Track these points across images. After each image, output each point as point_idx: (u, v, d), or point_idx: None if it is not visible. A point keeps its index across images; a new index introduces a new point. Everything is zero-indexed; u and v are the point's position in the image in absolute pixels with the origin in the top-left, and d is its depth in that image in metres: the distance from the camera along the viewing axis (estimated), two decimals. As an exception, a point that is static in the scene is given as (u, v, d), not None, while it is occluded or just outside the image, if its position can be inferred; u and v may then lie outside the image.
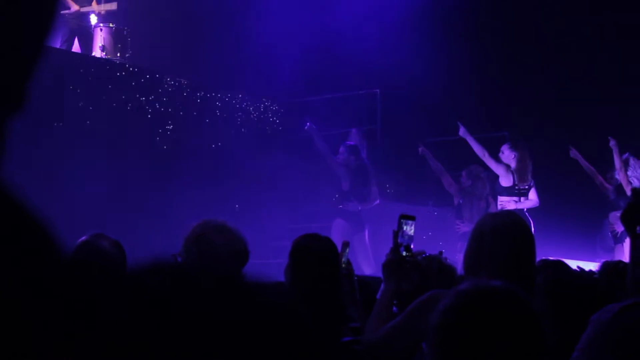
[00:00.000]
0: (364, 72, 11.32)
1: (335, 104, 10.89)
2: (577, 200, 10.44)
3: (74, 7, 9.54)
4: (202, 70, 10.49)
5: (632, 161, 8.79)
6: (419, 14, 11.21)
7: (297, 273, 3.30)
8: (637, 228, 2.41)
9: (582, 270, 3.45)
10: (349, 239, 4.47)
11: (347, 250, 3.60)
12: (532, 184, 8.69)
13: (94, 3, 9.62)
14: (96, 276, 0.80)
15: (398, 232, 3.19)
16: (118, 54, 9.31)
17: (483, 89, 11.44)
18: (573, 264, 3.54)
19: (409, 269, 3.16)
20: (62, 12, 9.27)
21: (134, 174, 8.55)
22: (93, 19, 9.59)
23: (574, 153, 9.17)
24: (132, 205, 8.35)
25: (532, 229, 3.65)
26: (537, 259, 3.01)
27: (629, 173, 8.72)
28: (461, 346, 1.79)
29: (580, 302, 2.98)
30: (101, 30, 9.36)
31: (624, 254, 8.22)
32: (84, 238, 3.63)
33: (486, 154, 8.66)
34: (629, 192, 8.33)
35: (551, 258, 3.44)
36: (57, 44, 9.27)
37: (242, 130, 10.17)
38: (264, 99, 10.60)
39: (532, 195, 8.67)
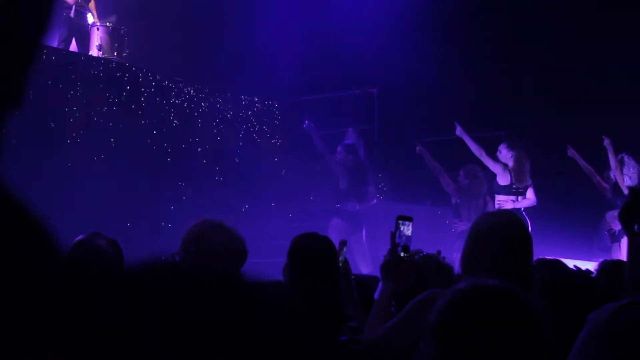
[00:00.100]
0: (361, 71, 11.33)
1: (332, 103, 10.90)
2: (574, 200, 10.45)
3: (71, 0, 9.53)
4: (200, 70, 10.49)
5: (626, 159, 8.80)
6: (415, 13, 11.22)
7: (296, 272, 3.30)
8: (635, 227, 2.41)
9: (579, 269, 3.45)
10: (346, 238, 4.47)
11: (345, 249, 3.60)
12: (529, 183, 8.70)
13: (91, 4, 9.62)
14: (92, 275, 0.80)
15: (395, 233, 3.19)
16: (115, 53, 9.31)
17: (480, 88, 11.45)
18: (570, 263, 3.55)
19: (407, 270, 3.16)
20: (59, 8, 9.26)
21: (132, 173, 8.54)
22: (90, 18, 9.59)
23: (571, 152, 9.18)
24: (130, 204, 8.35)
25: (529, 228, 3.65)
26: (534, 258, 3.01)
27: (625, 171, 8.73)
28: (459, 345, 1.79)
29: (578, 301, 2.98)
30: (98, 29, 9.36)
31: (621, 253, 8.22)
32: (80, 237, 3.64)
33: (483, 153, 8.67)
34: (625, 191, 8.34)
35: (548, 257, 3.44)
36: (55, 43, 9.27)
37: (240, 129, 10.17)
38: (261, 98, 10.60)
39: (530, 194, 8.68)
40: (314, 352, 0.80)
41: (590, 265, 3.94)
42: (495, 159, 8.72)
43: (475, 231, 2.89)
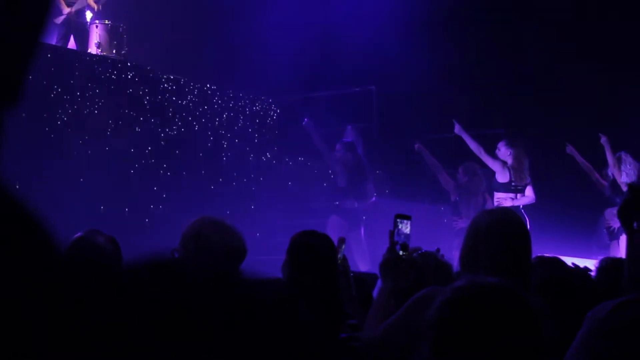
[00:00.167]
0: (360, 69, 11.32)
1: (331, 101, 10.91)
2: (573, 197, 10.45)
3: (66, 10, 9.53)
4: (199, 67, 10.49)
5: (624, 156, 8.82)
6: (414, 11, 11.21)
7: (295, 270, 3.30)
8: (634, 224, 2.41)
9: (577, 267, 3.45)
10: (345, 235, 4.47)
11: (343, 246, 3.60)
12: (528, 181, 8.70)
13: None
14: (90, 272, 0.80)
15: (394, 231, 3.19)
16: (114, 51, 9.31)
17: (478, 86, 11.45)
18: (568, 261, 3.54)
19: (406, 268, 3.16)
20: (56, 18, 9.26)
21: (131, 171, 8.54)
22: (88, 16, 9.58)
23: (570, 149, 9.18)
24: (128, 201, 8.35)
25: (528, 226, 3.65)
26: (533, 255, 3.01)
27: (622, 169, 8.74)
28: (457, 343, 1.79)
29: (576, 298, 2.98)
30: (97, 27, 9.35)
31: (619, 250, 8.23)
32: (79, 234, 3.64)
33: (482, 151, 8.66)
34: (624, 188, 8.35)
35: (547, 255, 3.44)
36: (53, 41, 9.27)
37: (239, 127, 10.17)
38: (260, 96, 10.60)
39: (529, 192, 8.67)
40: (313, 350, 0.80)
41: (588, 263, 3.94)
42: (494, 156, 8.72)
43: (473, 229, 2.89)
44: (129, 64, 9.21)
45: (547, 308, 2.83)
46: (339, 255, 3.51)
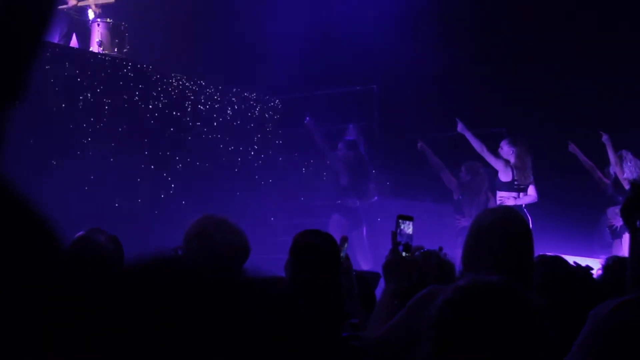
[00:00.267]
0: (362, 68, 11.32)
1: (333, 99, 10.90)
2: (575, 196, 10.44)
3: (72, 2, 9.54)
4: (201, 66, 10.48)
5: (625, 154, 8.82)
6: (416, 10, 11.20)
7: (298, 269, 3.30)
8: (637, 222, 2.41)
9: (579, 265, 3.45)
10: (347, 234, 4.47)
11: (346, 245, 3.60)
12: (531, 180, 8.69)
13: None
14: (91, 271, 0.80)
15: (396, 232, 3.19)
16: (115, 49, 9.31)
17: (481, 84, 11.44)
18: (570, 260, 3.54)
19: (409, 269, 3.15)
20: (60, 7, 9.26)
21: (132, 170, 8.54)
22: (91, 14, 9.59)
23: (572, 148, 9.18)
24: (130, 199, 8.35)
25: (530, 225, 3.65)
26: (535, 254, 3.01)
27: (624, 166, 8.75)
28: (458, 342, 1.79)
29: (578, 298, 2.98)
30: (98, 25, 9.35)
31: (621, 249, 8.22)
32: (81, 233, 3.64)
33: (485, 150, 8.65)
34: (626, 186, 8.34)
35: (549, 254, 3.43)
36: (55, 39, 9.27)
37: (241, 125, 10.16)
38: (263, 95, 10.60)
39: (531, 191, 8.66)
40: (314, 349, 0.80)
41: (590, 262, 3.94)
42: (497, 155, 8.71)
43: (475, 228, 2.89)
44: (130, 63, 9.20)
45: (548, 307, 2.82)
46: (342, 254, 3.51)
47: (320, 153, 9.58)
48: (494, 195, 8.75)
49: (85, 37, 9.47)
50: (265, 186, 9.75)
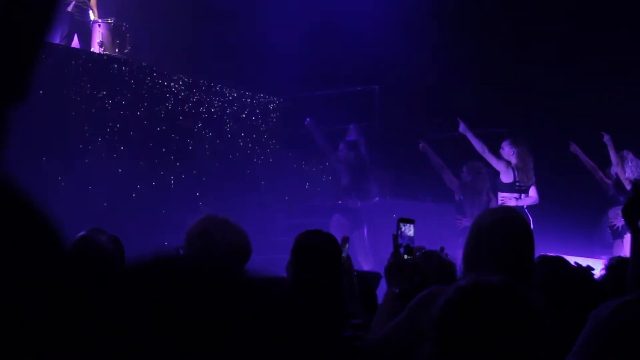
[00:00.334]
0: (363, 68, 11.32)
1: (334, 100, 10.90)
2: (576, 196, 10.44)
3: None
4: (202, 66, 10.49)
5: (626, 154, 8.82)
6: (417, 11, 11.20)
7: (300, 269, 3.30)
8: (639, 222, 2.41)
9: (579, 266, 3.45)
10: (348, 234, 4.47)
11: (347, 245, 3.59)
12: (533, 181, 8.68)
13: (92, 1, 9.62)
14: (92, 270, 0.80)
15: (397, 235, 3.18)
16: (116, 50, 9.31)
17: (482, 84, 11.44)
18: (571, 260, 3.54)
19: (411, 271, 3.15)
20: (62, 5, 9.26)
21: (133, 170, 8.55)
22: (92, 15, 9.59)
23: (574, 148, 9.17)
24: (132, 200, 8.35)
25: (532, 226, 3.65)
26: (536, 255, 3.01)
27: (626, 167, 8.74)
28: (460, 342, 1.79)
29: (579, 298, 2.97)
30: (99, 26, 9.36)
31: (622, 249, 8.22)
32: (82, 233, 3.64)
33: (486, 150, 8.64)
34: (628, 187, 8.34)
35: (550, 254, 3.43)
36: (57, 39, 9.27)
37: (242, 125, 10.17)
38: (263, 95, 10.60)
39: (532, 192, 8.66)
40: (316, 349, 0.80)
41: (591, 262, 3.93)
42: (498, 156, 8.70)
43: (476, 228, 2.89)
44: (131, 63, 9.21)
45: (549, 307, 2.82)
46: (343, 255, 3.51)
47: (321, 154, 9.58)
48: (496, 196, 8.74)
49: (86, 37, 9.48)
50: (267, 186, 9.75)
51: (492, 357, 1.77)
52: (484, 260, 2.78)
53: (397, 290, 3.10)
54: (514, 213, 3.03)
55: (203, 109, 9.78)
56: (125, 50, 9.41)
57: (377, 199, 9.29)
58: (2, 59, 0.87)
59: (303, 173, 10.33)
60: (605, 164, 9.08)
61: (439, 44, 11.30)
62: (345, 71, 11.24)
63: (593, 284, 3.27)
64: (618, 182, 8.81)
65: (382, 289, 3.43)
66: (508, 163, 8.64)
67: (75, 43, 9.58)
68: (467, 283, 1.86)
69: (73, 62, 8.56)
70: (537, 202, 8.68)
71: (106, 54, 9.16)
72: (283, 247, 4.43)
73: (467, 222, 8.37)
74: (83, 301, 0.77)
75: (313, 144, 9.50)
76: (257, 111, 10.47)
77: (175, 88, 9.54)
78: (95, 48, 9.25)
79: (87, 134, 8.35)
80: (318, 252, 3.32)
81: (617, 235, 8.77)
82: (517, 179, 8.60)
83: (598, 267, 3.84)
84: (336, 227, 8.47)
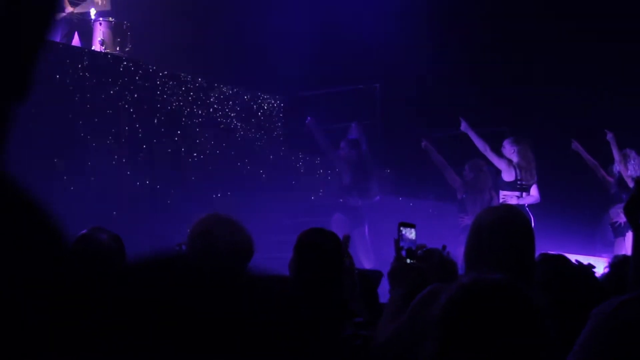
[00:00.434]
0: (364, 66, 11.32)
1: (335, 98, 10.89)
2: (577, 195, 10.44)
3: (69, 9, 9.54)
4: (203, 65, 10.48)
5: (629, 152, 8.82)
6: (418, 9, 11.20)
7: (302, 267, 3.30)
8: (640, 220, 2.40)
9: (580, 264, 3.44)
10: (349, 233, 4.47)
11: (348, 244, 3.60)
12: (535, 180, 8.68)
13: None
14: (92, 269, 0.80)
15: (398, 239, 3.17)
16: (117, 48, 9.31)
17: (483, 83, 11.43)
18: (572, 258, 3.54)
19: (414, 275, 3.14)
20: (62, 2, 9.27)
21: (134, 169, 8.55)
22: (92, 13, 9.59)
23: (575, 145, 9.17)
24: (133, 199, 8.35)
25: (532, 224, 3.64)
26: (537, 253, 3.00)
27: (629, 165, 8.74)
28: (462, 339, 1.79)
29: (580, 296, 2.97)
30: (100, 24, 9.36)
31: (623, 247, 8.22)
32: (83, 231, 3.64)
33: (488, 149, 8.64)
34: (630, 184, 8.33)
35: (551, 252, 3.43)
36: (57, 38, 9.27)
37: (243, 124, 10.17)
38: (264, 94, 10.60)
39: (534, 191, 8.65)
40: (318, 347, 0.79)
41: (592, 261, 3.93)
42: (499, 154, 8.70)
43: (477, 226, 2.89)
44: (132, 62, 9.21)
45: (550, 306, 2.82)
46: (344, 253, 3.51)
47: (322, 152, 9.58)
48: (498, 195, 8.74)
49: (87, 36, 9.48)
50: (268, 185, 9.74)
51: (494, 355, 1.77)
52: (484, 258, 2.77)
53: (401, 293, 3.10)
54: (515, 211, 3.03)
55: (204, 107, 9.77)
56: (127, 49, 9.41)
57: (378, 197, 9.28)
58: (3, 58, 0.87)
59: (304, 172, 10.32)
60: (607, 162, 9.08)
61: (440, 42, 11.29)
62: (346, 69, 11.24)
63: (594, 282, 3.27)
64: (621, 180, 8.81)
65: (383, 287, 3.44)
66: (510, 161, 8.64)
67: (76, 41, 9.58)
68: (469, 281, 1.86)
69: (74, 61, 8.56)
70: (539, 201, 8.68)
71: (107, 52, 9.16)
72: (284, 246, 4.43)
73: (468, 221, 8.36)
74: (83, 300, 0.77)
75: (314, 143, 9.49)
76: (258, 110, 10.46)
77: (176, 86, 9.54)
78: (96, 46, 9.25)
79: (87, 133, 8.35)
80: (320, 251, 3.32)
81: (619, 233, 8.76)
82: (518, 178, 8.59)
83: (599, 265, 3.84)
84: (337, 226, 8.46)
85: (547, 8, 11.37)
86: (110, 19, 9.43)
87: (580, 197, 10.30)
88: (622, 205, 2.53)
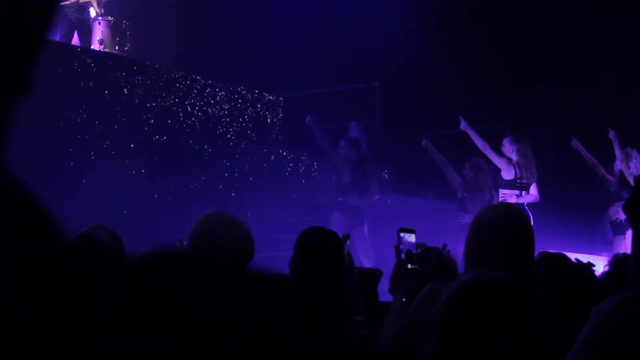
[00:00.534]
0: (363, 65, 11.32)
1: (335, 97, 10.90)
2: (577, 193, 10.44)
3: None
4: (201, 64, 10.48)
5: (630, 151, 8.82)
6: (418, 6, 11.20)
7: (302, 266, 3.30)
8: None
9: (580, 262, 3.45)
10: (348, 232, 4.46)
11: (348, 242, 3.60)
12: (535, 179, 8.68)
13: None
14: (90, 266, 0.80)
15: (398, 245, 3.16)
16: (116, 47, 9.31)
17: (483, 81, 11.43)
18: (571, 257, 3.54)
19: (416, 280, 3.13)
20: (62, 3, 9.26)
21: (133, 167, 8.54)
22: (92, 12, 9.59)
23: (575, 144, 9.17)
24: (131, 198, 8.35)
25: (531, 222, 3.65)
26: (537, 251, 3.01)
27: (631, 164, 8.75)
28: (463, 337, 1.79)
29: (579, 294, 2.97)
30: (100, 23, 9.35)
31: (623, 245, 8.22)
32: (83, 230, 3.65)
33: (487, 147, 8.64)
34: (632, 182, 8.34)
35: (551, 251, 3.43)
36: (57, 37, 9.27)
37: (242, 123, 10.17)
38: (264, 92, 10.60)
39: (533, 190, 8.66)
40: (318, 346, 0.79)
41: (592, 259, 3.94)
42: (499, 153, 8.70)
43: (476, 224, 2.89)
44: (132, 61, 9.21)
45: (550, 304, 2.82)
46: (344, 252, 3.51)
47: (322, 151, 9.58)
48: (498, 193, 8.74)
49: (86, 35, 9.48)
50: (267, 184, 9.74)
51: (493, 354, 1.77)
52: (484, 257, 2.78)
53: (404, 300, 3.09)
54: (514, 210, 3.03)
55: (203, 106, 9.77)
56: (126, 48, 9.41)
57: (378, 196, 9.28)
58: (4, 56, 0.87)
59: (304, 170, 10.32)
60: (607, 160, 9.08)
61: (440, 40, 11.29)
62: (345, 68, 11.24)
63: (594, 280, 3.27)
64: (622, 179, 8.81)
65: (382, 286, 3.44)
66: (509, 160, 8.64)
67: (75, 40, 9.58)
68: (469, 279, 1.86)
69: (73, 60, 8.56)
70: (538, 199, 8.68)
71: (106, 52, 9.16)
72: (284, 245, 4.43)
73: (468, 219, 8.36)
74: (83, 297, 0.77)
75: (314, 142, 9.49)
76: (258, 109, 10.47)
77: (175, 85, 9.54)
78: (96, 46, 9.25)
79: (87, 132, 8.35)
80: (321, 250, 3.32)
81: (618, 231, 8.77)
82: (518, 176, 8.60)
83: (599, 263, 3.84)
84: (337, 225, 8.46)
85: (547, 5, 11.37)
86: (110, 18, 9.43)
87: (580, 196, 10.30)
88: (621, 203, 2.53)
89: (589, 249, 8.71)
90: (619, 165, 8.90)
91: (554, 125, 10.69)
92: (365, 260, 8.52)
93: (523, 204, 8.39)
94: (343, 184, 9.10)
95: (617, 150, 8.78)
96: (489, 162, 8.76)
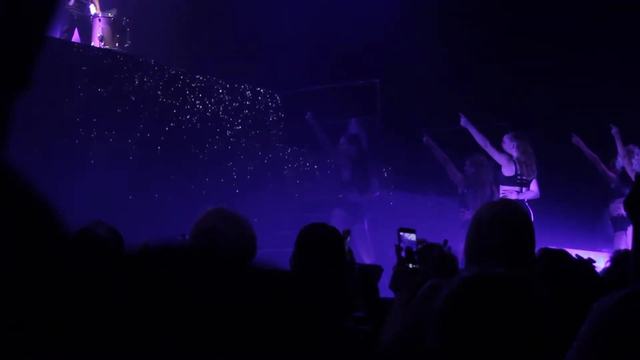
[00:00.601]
0: (364, 62, 11.31)
1: (335, 94, 10.89)
2: (578, 190, 10.44)
3: None
4: (203, 61, 10.48)
5: (632, 147, 8.82)
6: (418, 4, 11.19)
7: (303, 262, 3.30)
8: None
9: (580, 258, 3.45)
10: (349, 228, 4.46)
11: (348, 238, 3.60)
12: (535, 175, 8.68)
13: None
14: (90, 262, 0.80)
15: (399, 245, 3.16)
16: (117, 44, 9.31)
17: (483, 78, 11.43)
18: (572, 253, 3.54)
19: (417, 279, 3.13)
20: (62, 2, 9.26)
21: (134, 164, 8.54)
22: (92, 9, 9.59)
23: (576, 140, 9.16)
24: (133, 194, 8.35)
25: (532, 219, 3.65)
26: (538, 248, 3.01)
27: (633, 160, 8.75)
28: (463, 333, 1.79)
29: (580, 290, 2.98)
30: (100, 20, 9.35)
31: (623, 241, 8.23)
32: (83, 226, 3.65)
33: (488, 144, 8.64)
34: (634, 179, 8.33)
35: (552, 247, 3.43)
36: (57, 34, 9.27)
37: (242, 120, 10.16)
38: (264, 89, 10.59)
39: (533, 186, 8.66)
40: (319, 341, 0.79)
41: (592, 255, 3.94)
42: (500, 149, 8.70)
43: (476, 220, 2.89)
44: (132, 58, 9.20)
45: (551, 300, 2.82)
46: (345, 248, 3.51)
47: (322, 148, 9.58)
48: (498, 189, 8.74)
49: (86, 32, 9.47)
50: (267, 180, 9.74)
51: (495, 350, 1.78)
52: (484, 253, 2.78)
53: (404, 298, 3.09)
54: (514, 206, 3.03)
55: (203, 103, 9.77)
56: (126, 45, 9.41)
57: (378, 193, 9.29)
58: (5, 53, 0.87)
59: (305, 167, 10.32)
60: (608, 156, 9.08)
61: (440, 37, 11.28)
62: (346, 65, 11.24)
63: (594, 276, 3.27)
64: (623, 175, 8.81)
65: (383, 282, 3.44)
66: (510, 156, 8.64)
67: (76, 37, 9.58)
68: (470, 275, 1.86)
69: (73, 57, 8.55)
70: (538, 196, 8.68)
71: (106, 49, 9.16)
72: (285, 241, 4.43)
73: (469, 215, 8.34)
74: (84, 292, 0.77)
75: (314, 138, 9.49)
76: (258, 105, 10.46)
77: (175, 82, 9.54)
78: (96, 42, 9.25)
79: (87, 128, 8.35)
80: (322, 246, 3.32)
81: (619, 227, 8.77)
82: (518, 173, 8.60)
83: (600, 259, 3.84)
84: (337, 221, 8.46)
85: (548, 5, 11.36)
86: (110, 15, 9.42)
87: (581, 192, 10.30)
88: (622, 199, 2.53)
89: (590, 245, 8.71)
90: (620, 161, 8.90)
91: (554, 123, 10.68)
92: (365, 256, 8.52)
93: (523, 200, 8.40)
94: (343, 181, 9.11)
95: (620, 147, 8.79)
96: (490, 158, 8.76)
